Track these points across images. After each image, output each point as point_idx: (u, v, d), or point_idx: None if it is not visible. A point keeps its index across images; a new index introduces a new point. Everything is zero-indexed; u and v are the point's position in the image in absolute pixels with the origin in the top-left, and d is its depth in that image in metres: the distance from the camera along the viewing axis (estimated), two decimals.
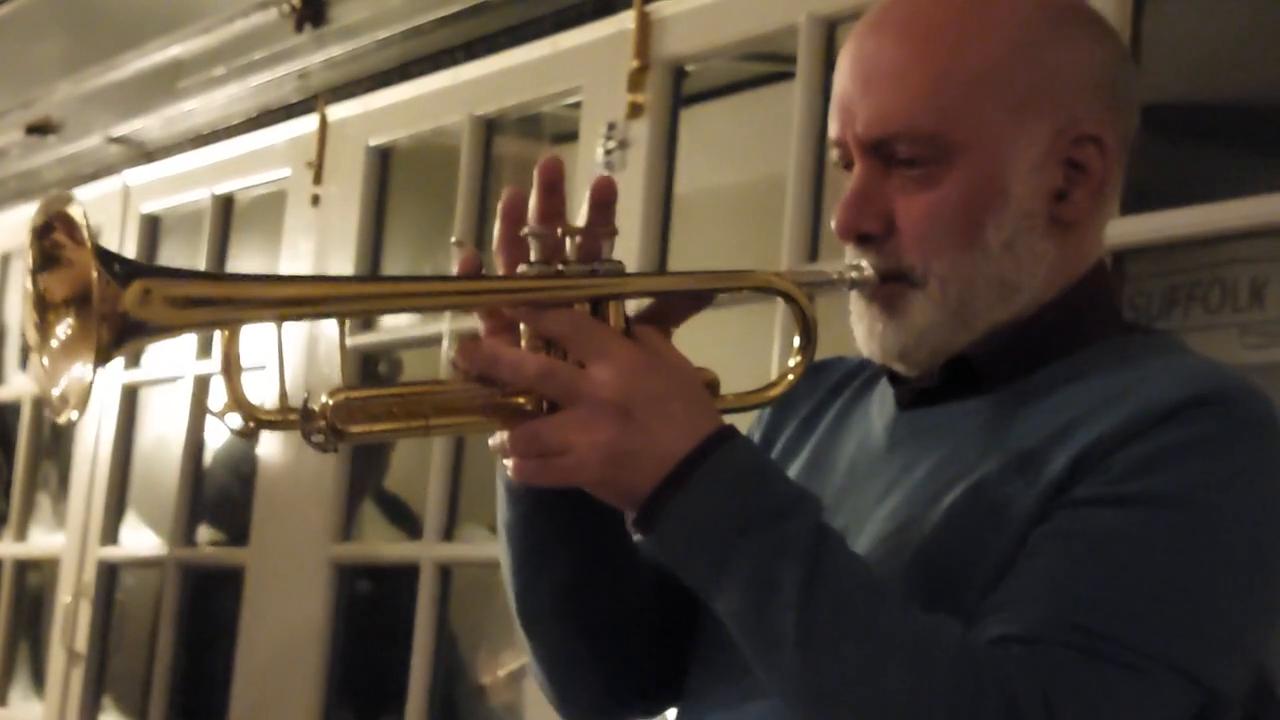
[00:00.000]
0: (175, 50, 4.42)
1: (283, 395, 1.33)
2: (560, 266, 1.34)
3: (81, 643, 4.67)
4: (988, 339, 1.43)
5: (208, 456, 4.48)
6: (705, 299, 1.43)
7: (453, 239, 3.63)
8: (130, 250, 4.74)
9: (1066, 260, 1.45)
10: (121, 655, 4.73)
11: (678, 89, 3.31)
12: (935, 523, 1.37)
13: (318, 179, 4.04)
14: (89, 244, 1.24)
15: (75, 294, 1.26)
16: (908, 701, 1.26)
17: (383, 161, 3.99)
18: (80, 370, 1.26)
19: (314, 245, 4.07)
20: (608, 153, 3.30)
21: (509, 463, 1.34)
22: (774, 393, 1.45)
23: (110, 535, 4.70)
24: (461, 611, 3.85)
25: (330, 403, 1.32)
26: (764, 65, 3.68)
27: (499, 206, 1.38)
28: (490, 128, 3.75)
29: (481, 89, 3.69)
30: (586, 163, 3.38)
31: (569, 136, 3.65)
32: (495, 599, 3.68)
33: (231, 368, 1.32)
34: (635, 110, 3.26)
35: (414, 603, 3.67)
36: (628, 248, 3.23)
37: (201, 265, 4.47)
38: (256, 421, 1.32)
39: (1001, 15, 1.43)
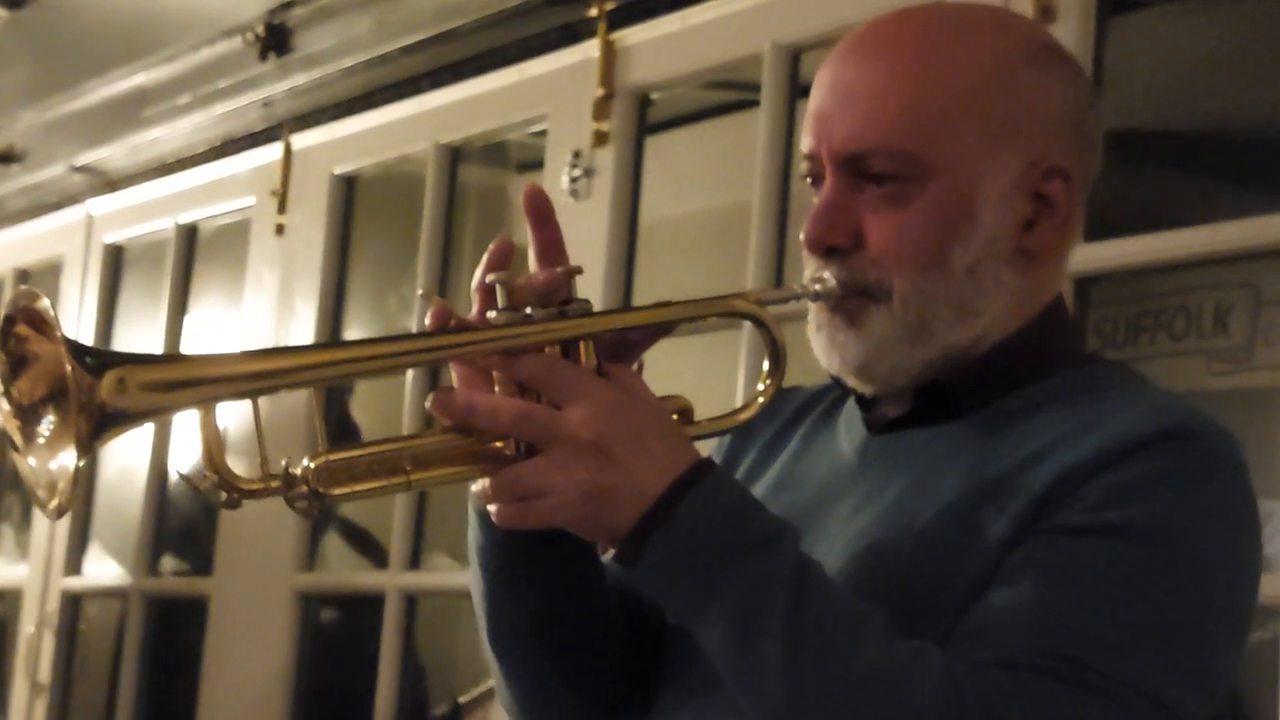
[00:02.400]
0: (140, 79, 4.42)
1: (264, 463, 1.33)
2: (529, 310, 1.35)
3: (45, 673, 4.64)
4: (958, 364, 1.45)
5: (171, 486, 4.46)
6: (668, 328, 1.44)
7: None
8: (94, 282, 4.73)
9: (1028, 291, 1.46)
10: (85, 685, 4.70)
11: (643, 117, 3.32)
12: (907, 544, 1.39)
13: (282, 208, 4.04)
14: (60, 337, 1.25)
15: (51, 390, 1.27)
16: None
17: (348, 190, 3.99)
18: (64, 461, 1.26)
19: (279, 275, 4.06)
20: (573, 180, 3.31)
21: (492, 507, 1.35)
22: (745, 415, 1.46)
23: (74, 566, 4.68)
24: (428, 640, 3.84)
25: (312, 467, 1.33)
26: (729, 93, 3.69)
27: (488, 251, 1.38)
28: (455, 156, 3.75)
29: (446, 117, 3.69)
30: (552, 191, 3.37)
31: (534, 165, 3.65)
32: (461, 627, 3.67)
33: (211, 442, 1.32)
34: (600, 138, 3.27)
35: (379, 632, 3.66)
36: (593, 275, 3.24)
37: (165, 296, 4.47)
38: (239, 492, 1.32)
39: (980, 45, 1.45)
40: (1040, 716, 1.27)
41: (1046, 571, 1.32)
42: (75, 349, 1.25)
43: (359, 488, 1.34)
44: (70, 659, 4.68)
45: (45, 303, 1.26)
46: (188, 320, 4.48)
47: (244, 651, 4.01)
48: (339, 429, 4.12)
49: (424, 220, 3.71)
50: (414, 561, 3.69)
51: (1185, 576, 1.33)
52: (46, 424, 1.28)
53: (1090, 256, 2.59)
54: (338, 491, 1.33)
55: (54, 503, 1.27)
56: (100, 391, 1.25)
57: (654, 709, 1.52)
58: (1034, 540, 1.33)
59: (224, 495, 1.32)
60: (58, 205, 4.90)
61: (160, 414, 1.31)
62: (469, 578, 1.52)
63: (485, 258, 1.38)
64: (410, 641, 3.68)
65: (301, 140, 4.03)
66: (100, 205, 4.76)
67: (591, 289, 3.21)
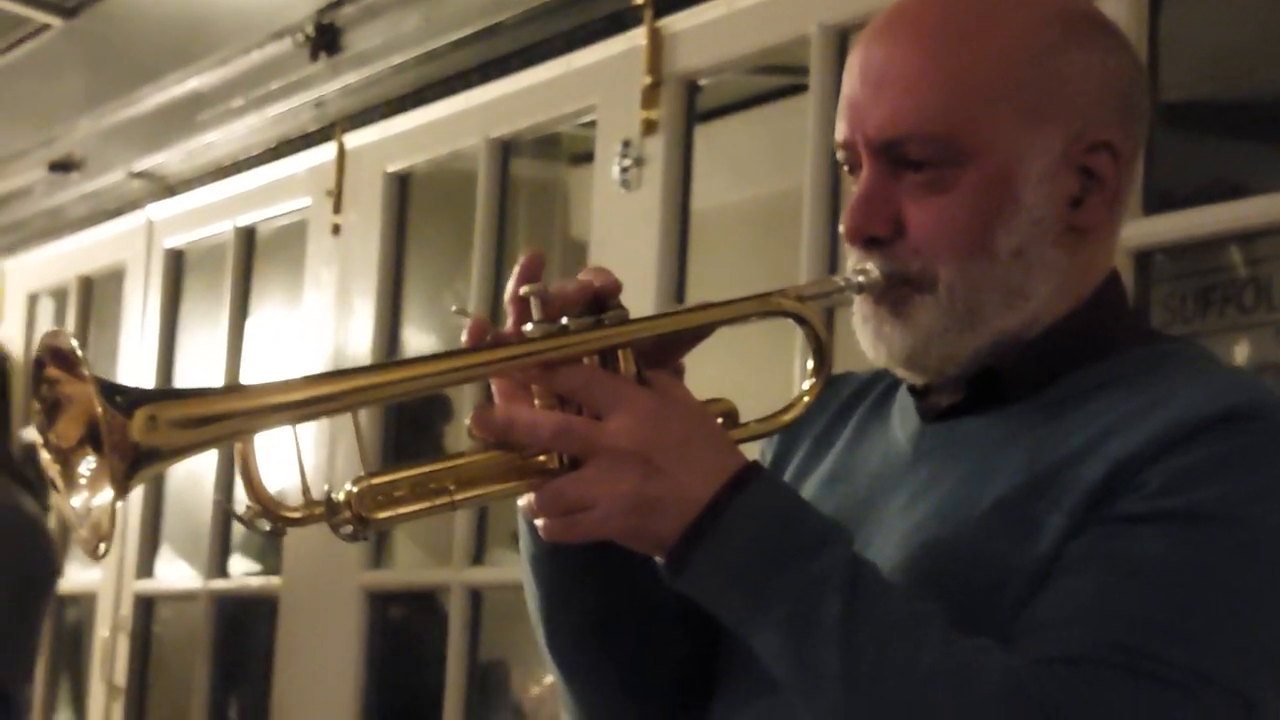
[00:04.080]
0: (193, 83, 4.43)
1: (305, 491, 1.32)
2: (565, 321, 1.33)
3: (120, 676, 4.68)
4: (1009, 349, 1.41)
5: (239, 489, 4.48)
6: (708, 330, 1.41)
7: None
8: (156, 287, 4.76)
9: (1080, 269, 1.43)
10: (160, 687, 4.74)
11: (691, 104, 3.30)
12: (965, 536, 1.35)
13: (337, 208, 4.05)
14: (89, 377, 1.24)
15: (87, 430, 1.26)
16: None
17: (401, 188, 4.00)
18: (104, 500, 1.25)
19: (336, 274, 4.07)
20: (624, 170, 3.30)
21: (539, 522, 1.33)
22: (789, 416, 1.43)
23: (146, 569, 4.71)
24: (494, 633, 3.84)
25: (355, 492, 1.31)
26: (778, 78, 3.67)
27: (518, 264, 1.37)
28: (507, 149, 3.75)
29: (496, 111, 3.69)
30: (604, 181, 3.37)
31: (585, 158, 3.64)
32: (527, 620, 3.67)
33: (250, 473, 1.31)
34: (650, 127, 3.26)
35: (446, 627, 3.67)
36: (645, 265, 3.23)
37: (226, 300, 4.49)
38: (283, 521, 1.31)
39: (1015, 21, 1.41)
40: (1108, 712, 1.23)
41: (1108, 562, 1.28)
42: (105, 388, 1.24)
43: (403, 511, 1.32)
44: (145, 661, 4.72)
45: (73, 342, 1.26)
46: (249, 323, 4.50)
47: (314, 649, 4.03)
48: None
49: (477, 215, 3.71)
50: (478, 557, 3.69)
51: (1254, 560, 1.28)
52: (86, 465, 1.26)
53: (1154, 229, 2.55)
54: (381, 515, 1.31)
55: (100, 545, 1.25)
56: (132, 431, 1.23)
57: (715, 712, 1.50)
58: (1094, 530, 1.30)
59: (267, 525, 1.31)
60: (118, 212, 4.93)
61: (195, 449, 1.29)
62: (524, 586, 1.50)
63: (516, 270, 1.36)
64: (476, 635, 3.68)
65: (354, 139, 4.03)
66: (160, 210, 4.78)
67: (644, 279, 3.20)
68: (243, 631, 4.50)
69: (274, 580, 4.22)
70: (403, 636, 4.11)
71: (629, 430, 1.29)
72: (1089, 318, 1.43)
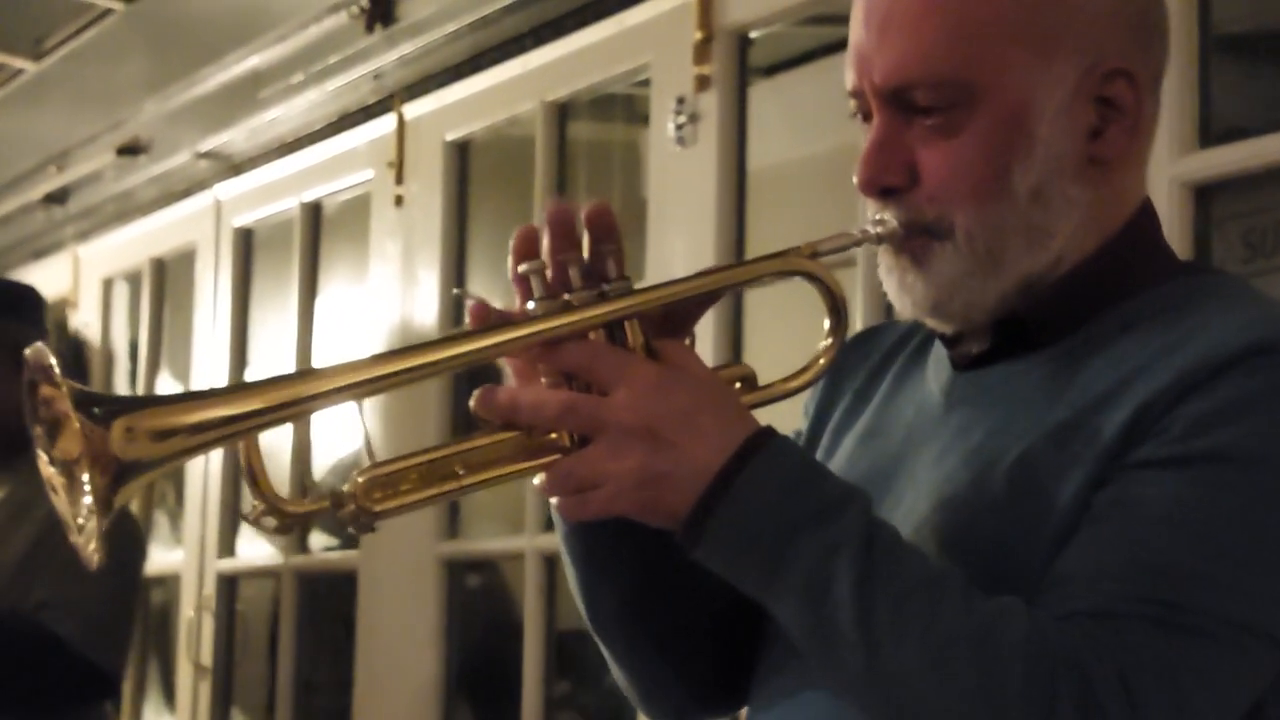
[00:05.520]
0: (253, 60, 4.45)
1: (308, 484, 1.31)
2: (567, 297, 1.30)
3: (206, 655, 4.72)
4: (1035, 292, 1.38)
5: (316, 464, 4.50)
6: (718, 295, 1.38)
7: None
8: (226, 267, 4.78)
9: (1105, 204, 1.39)
10: (247, 664, 4.77)
11: (744, 58, 3.27)
12: (991, 489, 1.32)
13: (399, 179, 4.05)
14: (65, 391, 1.20)
15: (79, 446, 1.22)
16: (978, 692, 1.21)
17: (461, 156, 3.99)
18: (93, 521, 1.23)
19: (400, 246, 4.07)
20: (678, 128, 3.27)
21: (553, 502, 1.31)
22: (806, 377, 1.40)
23: (227, 548, 4.75)
24: (570, 598, 3.83)
25: (360, 482, 1.29)
26: (834, 29, 3.62)
27: (511, 242, 1.34)
28: (563, 112, 3.73)
29: (551, 74, 3.67)
30: (659, 139, 3.34)
31: (641, 118, 3.62)
32: None
33: (255, 471, 1.27)
34: (703, 82, 3.23)
35: (523, 594, 3.67)
36: (704, 222, 3.20)
37: (294, 277, 4.50)
38: (288, 516, 1.29)
39: None
40: (1137, 667, 1.20)
41: (1133, 510, 1.24)
42: (80, 400, 1.21)
43: (411, 499, 1.29)
44: (230, 639, 4.75)
45: (50, 359, 1.22)
46: (317, 300, 4.52)
47: (394, 621, 4.04)
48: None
49: (536, 179, 3.69)
50: (549, 524, 3.68)
51: None
52: (86, 480, 1.23)
53: (1212, 162, 2.50)
54: (388, 505, 1.29)
55: (95, 558, 1.23)
56: (111, 444, 1.21)
57: (754, 685, 1.48)
58: (1119, 478, 1.26)
59: (273, 522, 1.28)
60: (186, 193, 4.95)
61: (178, 459, 1.26)
62: (563, 560, 1.49)
63: (511, 248, 1.33)
64: (553, 602, 3.68)
65: (413, 110, 4.03)
66: (227, 190, 4.80)
67: (703, 236, 3.17)
68: (324, 606, 4.52)
69: (352, 554, 4.23)
70: (481, 604, 4.12)
71: (634, 404, 1.27)
72: (1118, 253, 1.39)
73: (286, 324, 4.55)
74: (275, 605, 4.55)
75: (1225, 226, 2.84)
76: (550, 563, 3.67)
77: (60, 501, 1.25)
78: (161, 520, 5.15)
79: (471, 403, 1.31)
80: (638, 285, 1.32)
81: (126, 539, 3.30)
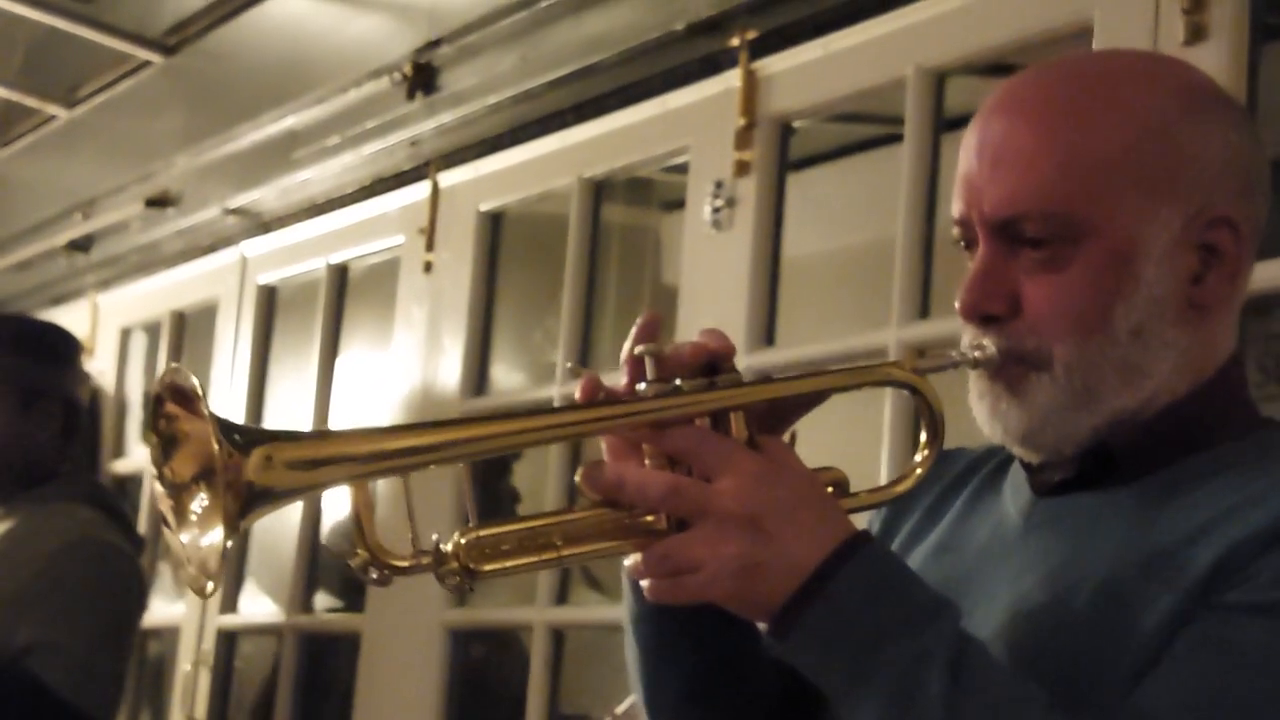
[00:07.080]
0: (290, 121, 4.47)
1: (415, 540, 1.34)
2: (679, 382, 1.34)
3: (201, 710, 4.69)
4: (1126, 428, 1.40)
5: (324, 525, 4.50)
6: (821, 397, 1.42)
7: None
8: (248, 323, 4.80)
9: (1199, 348, 1.42)
10: None
11: (784, 146, 3.30)
12: (1071, 610, 1.35)
13: (430, 246, 4.07)
14: (209, 416, 1.25)
15: (202, 468, 1.27)
16: None
17: (493, 226, 4.01)
18: (214, 539, 1.27)
19: (427, 312, 4.08)
20: (715, 211, 3.30)
21: (644, 583, 1.34)
22: (902, 487, 1.44)
23: (229, 604, 4.73)
24: (575, 675, 3.83)
25: (463, 543, 1.32)
26: (872, 127, 3.67)
27: (636, 324, 1.38)
28: (599, 189, 3.76)
29: (590, 151, 3.70)
30: (695, 222, 3.37)
31: (677, 204, 3.64)
32: (609, 659, 3.65)
33: (362, 519, 1.32)
34: (742, 168, 3.26)
35: (527, 667, 3.66)
36: (736, 307, 3.22)
37: (316, 336, 4.51)
38: (390, 569, 1.33)
39: (1134, 97, 1.41)
40: None
41: (1214, 651, 1.27)
42: (223, 427, 1.25)
43: (509, 564, 1.34)
44: (226, 696, 4.73)
45: (194, 381, 1.27)
46: (338, 361, 4.53)
47: (395, 687, 4.03)
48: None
49: (568, 255, 3.71)
50: (560, 597, 3.69)
51: None
52: (199, 502, 1.28)
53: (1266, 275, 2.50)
54: (489, 567, 1.33)
55: (208, 584, 1.27)
56: (247, 470, 1.25)
57: None
58: (1206, 616, 1.28)
59: (374, 574, 1.32)
60: (212, 248, 4.97)
61: (307, 491, 1.30)
62: (625, 646, 1.51)
63: (634, 330, 1.37)
64: (558, 676, 3.67)
65: (448, 178, 4.05)
66: (253, 247, 4.82)
67: (734, 322, 3.19)
68: (324, 667, 4.50)
69: (357, 617, 4.22)
70: (484, 676, 4.10)
71: (738, 493, 1.29)
72: (1207, 401, 1.42)
73: (305, 384, 4.55)
74: (275, 664, 4.54)
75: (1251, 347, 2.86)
76: (558, 636, 3.67)
77: (165, 515, 1.28)
78: (164, 571, 5.13)
79: (577, 476, 1.34)
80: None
81: (126, 586, 3.28)
